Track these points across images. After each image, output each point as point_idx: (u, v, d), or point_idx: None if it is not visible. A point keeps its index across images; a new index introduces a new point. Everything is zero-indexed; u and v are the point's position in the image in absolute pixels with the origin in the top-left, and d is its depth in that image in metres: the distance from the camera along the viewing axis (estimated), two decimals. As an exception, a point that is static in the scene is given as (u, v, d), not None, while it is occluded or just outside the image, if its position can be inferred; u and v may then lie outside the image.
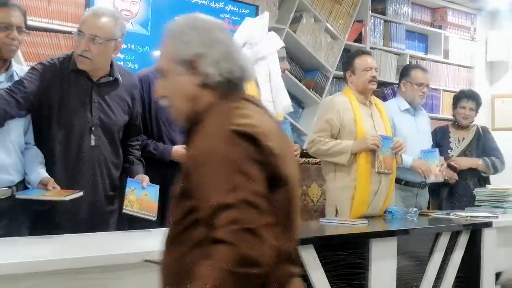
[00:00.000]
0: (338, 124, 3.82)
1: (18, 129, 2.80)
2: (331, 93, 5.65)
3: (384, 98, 5.72)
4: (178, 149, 3.17)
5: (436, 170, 4.26)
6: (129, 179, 2.90)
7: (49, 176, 2.74)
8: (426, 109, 4.88)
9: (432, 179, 4.27)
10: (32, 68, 2.90)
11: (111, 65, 2.94)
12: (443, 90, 6.64)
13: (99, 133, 2.91)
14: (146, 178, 2.95)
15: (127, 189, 2.82)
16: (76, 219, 2.85)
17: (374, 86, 3.95)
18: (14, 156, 2.77)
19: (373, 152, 3.77)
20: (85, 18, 2.84)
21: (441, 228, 3.54)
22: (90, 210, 2.89)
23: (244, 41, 3.67)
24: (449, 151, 4.73)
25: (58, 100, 2.84)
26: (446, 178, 4.51)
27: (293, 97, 4.75)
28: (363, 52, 4.08)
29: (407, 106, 4.43)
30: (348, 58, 4.10)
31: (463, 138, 4.79)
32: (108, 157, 2.95)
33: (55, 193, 2.67)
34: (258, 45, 3.68)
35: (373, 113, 3.94)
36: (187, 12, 4.19)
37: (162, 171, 3.12)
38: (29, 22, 3.77)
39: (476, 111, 4.86)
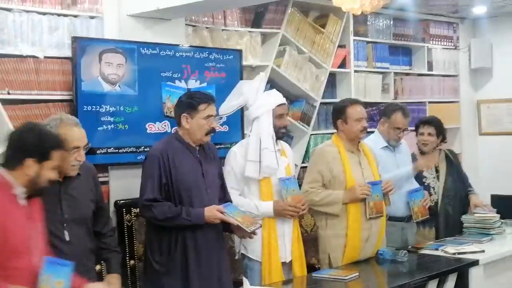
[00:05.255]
0: (328, 175, 3.94)
1: None
2: (318, 122, 5.78)
3: (371, 118, 5.85)
4: (210, 210, 3.37)
5: (424, 209, 4.37)
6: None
7: None
8: (411, 123, 4.84)
9: (419, 218, 4.38)
10: None
11: None
12: (429, 102, 6.77)
13: (72, 228, 2.97)
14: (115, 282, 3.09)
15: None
16: None
17: (364, 135, 4.09)
18: None
19: (362, 200, 3.91)
20: (71, 133, 2.89)
21: (429, 276, 3.70)
22: None
23: (239, 105, 3.81)
24: (424, 180, 4.73)
25: None
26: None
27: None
28: (354, 101, 4.14)
29: (385, 143, 4.52)
30: (339, 107, 4.12)
31: (435, 166, 4.82)
32: (83, 250, 3.03)
33: None
34: (252, 107, 3.81)
35: (361, 161, 4.05)
36: (174, 67, 4.39)
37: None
38: (19, 96, 3.90)
39: (438, 136, 4.80)
